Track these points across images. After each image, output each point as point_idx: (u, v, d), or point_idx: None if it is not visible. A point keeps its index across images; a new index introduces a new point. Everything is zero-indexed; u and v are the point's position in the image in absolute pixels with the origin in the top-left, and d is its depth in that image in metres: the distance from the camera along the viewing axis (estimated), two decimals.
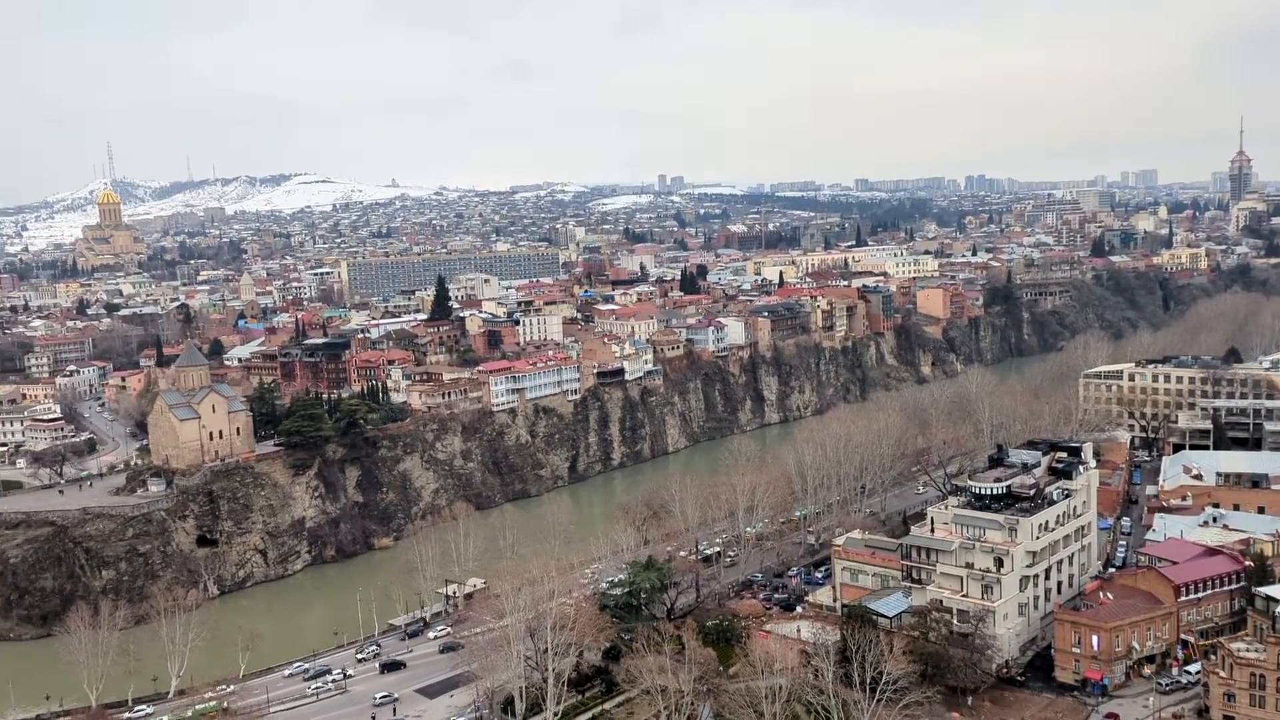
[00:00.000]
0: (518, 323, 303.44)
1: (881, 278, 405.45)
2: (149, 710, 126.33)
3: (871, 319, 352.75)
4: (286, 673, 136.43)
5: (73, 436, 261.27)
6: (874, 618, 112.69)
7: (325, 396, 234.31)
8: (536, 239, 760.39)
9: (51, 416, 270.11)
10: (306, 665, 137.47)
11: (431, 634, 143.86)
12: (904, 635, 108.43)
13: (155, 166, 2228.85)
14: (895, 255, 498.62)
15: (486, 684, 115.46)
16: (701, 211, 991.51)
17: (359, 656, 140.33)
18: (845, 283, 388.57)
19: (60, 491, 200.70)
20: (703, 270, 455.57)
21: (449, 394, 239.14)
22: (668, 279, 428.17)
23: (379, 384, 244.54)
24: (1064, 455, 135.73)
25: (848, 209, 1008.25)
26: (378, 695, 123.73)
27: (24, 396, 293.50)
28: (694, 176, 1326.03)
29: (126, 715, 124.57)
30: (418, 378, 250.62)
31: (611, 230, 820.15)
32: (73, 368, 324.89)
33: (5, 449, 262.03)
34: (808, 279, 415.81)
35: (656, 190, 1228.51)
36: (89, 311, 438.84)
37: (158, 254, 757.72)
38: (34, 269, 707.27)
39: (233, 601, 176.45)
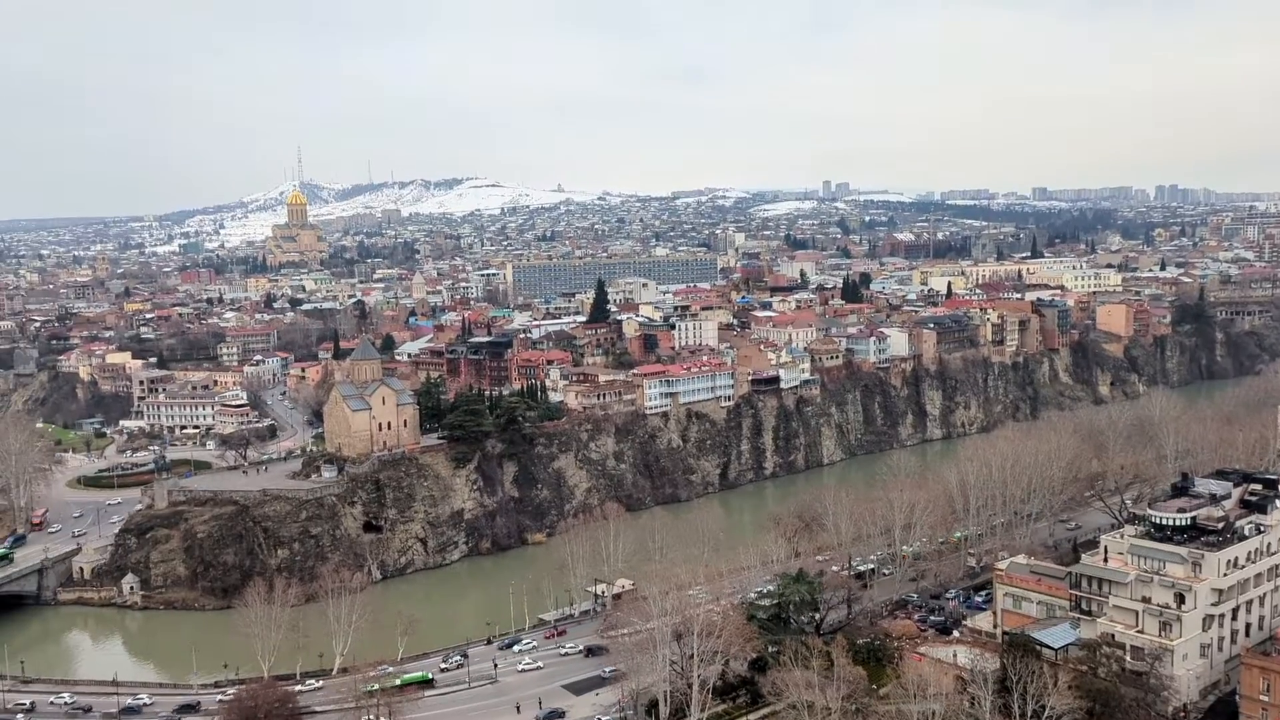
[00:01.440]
0: (674, 327, 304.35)
1: (1058, 291, 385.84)
2: (319, 684, 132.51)
3: (1046, 334, 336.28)
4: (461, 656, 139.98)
5: (256, 422, 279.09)
6: (1038, 648, 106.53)
7: (487, 393, 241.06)
8: (696, 244, 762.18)
9: (239, 403, 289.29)
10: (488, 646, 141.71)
11: (517, 647, 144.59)
12: (1070, 669, 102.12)
13: (339, 170, 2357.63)
14: (1074, 268, 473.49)
15: (632, 685, 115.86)
16: (867, 219, 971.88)
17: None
18: (1018, 295, 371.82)
19: (244, 473, 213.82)
20: (866, 279, 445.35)
21: (604, 395, 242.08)
22: (828, 287, 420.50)
23: (538, 383, 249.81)
24: (1259, 488, 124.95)
25: (1023, 218, 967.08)
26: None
27: (215, 383, 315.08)
28: (860, 183, 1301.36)
29: (299, 687, 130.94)
30: (575, 378, 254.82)
31: (772, 236, 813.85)
32: (259, 357, 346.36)
33: (198, 431, 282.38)
34: (977, 290, 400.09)
35: (820, 196, 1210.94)
36: (275, 305, 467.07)
37: (338, 252, 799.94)
38: (229, 264, 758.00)
39: (394, 587, 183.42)
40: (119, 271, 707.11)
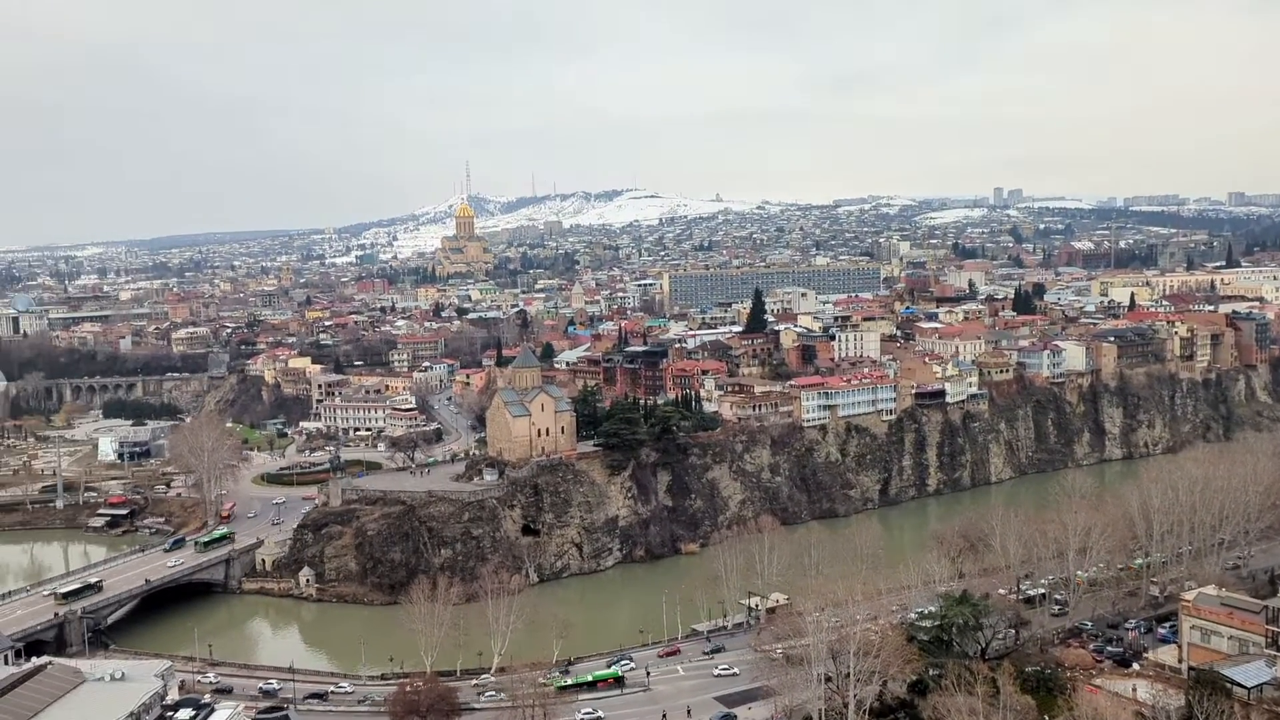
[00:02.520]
0: (833, 338, 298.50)
1: (1256, 303, 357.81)
2: (490, 679, 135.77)
3: (1242, 349, 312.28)
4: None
5: (424, 425, 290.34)
6: (1228, 686, 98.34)
7: (642, 402, 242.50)
8: (858, 253, 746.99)
9: (408, 407, 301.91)
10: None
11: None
12: (1265, 710, 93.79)
13: (504, 183, 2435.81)
14: (1274, 278, 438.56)
15: (785, 701, 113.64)
16: (1041, 226, 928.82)
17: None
18: (1210, 307, 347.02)
19: (413, 474, 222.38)
20: (1039, 289, 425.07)
21: (760, 406, 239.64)
22: (999, 297, 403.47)
23: (693, 393, 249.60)
24: None
25: (1217, 226, 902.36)
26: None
27: (386, 388, 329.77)
28: (1034, 189, 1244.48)
29: (479, 680, 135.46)
30: (730, 388, 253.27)
31: (939, 245, 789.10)
32: (427, 364, 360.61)
33: (370, 433, 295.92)
34: (1164, 302, 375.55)
35: (991, 204, 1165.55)
36: (443, 314, 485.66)
37: (502, 263, 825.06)
38: (401, 275, 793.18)
39: (549, 590, 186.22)
40: (301, 281, 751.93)
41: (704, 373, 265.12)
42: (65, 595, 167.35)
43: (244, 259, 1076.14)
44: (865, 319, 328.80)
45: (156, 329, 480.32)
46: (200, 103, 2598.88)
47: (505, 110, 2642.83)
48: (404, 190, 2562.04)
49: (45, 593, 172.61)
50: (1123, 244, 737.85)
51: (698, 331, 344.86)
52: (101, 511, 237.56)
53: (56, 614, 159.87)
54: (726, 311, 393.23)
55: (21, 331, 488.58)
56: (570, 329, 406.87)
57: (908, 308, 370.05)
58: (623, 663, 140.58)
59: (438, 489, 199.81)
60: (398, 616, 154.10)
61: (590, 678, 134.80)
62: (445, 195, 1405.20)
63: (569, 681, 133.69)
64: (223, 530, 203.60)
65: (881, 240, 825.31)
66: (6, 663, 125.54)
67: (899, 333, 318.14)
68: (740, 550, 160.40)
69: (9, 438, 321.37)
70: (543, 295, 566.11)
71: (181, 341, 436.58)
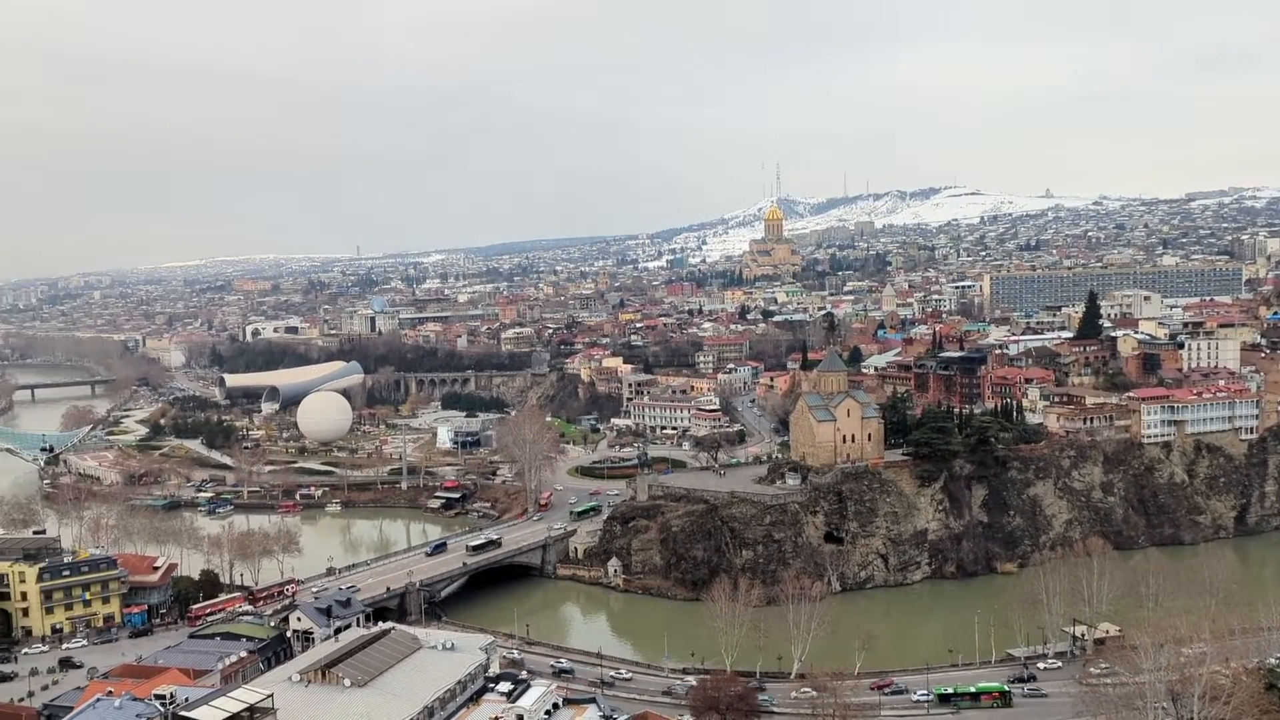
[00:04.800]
0: (1182, 346, 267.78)
1: None
2: (810, 692, 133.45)
3: None
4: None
5: (727, 427, 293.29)
6: None
7: (957, 411, 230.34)
8: (1214, 252, 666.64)
9: (712, 408, 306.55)
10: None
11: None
12: None
13: (814, 184, 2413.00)
14: None
15: None
16: None
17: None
18: None
19: (716, 473, 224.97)
20: None
21: (1091, 419, 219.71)
22: None
23: (1013, 402, 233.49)
24: None
25: None
26: None
27: (692, 388, 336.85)
28: None
29: (755, 684, 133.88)
30: (1057, 399, 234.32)
31: None
32: (732, 366, 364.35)
33: (675, 432, 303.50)
34: None
35: None
36: (748, 316, 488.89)
37: (810, 265, 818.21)
38: (708, 278, 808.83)
39: (852, 600, 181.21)
40: (616, 285, 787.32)
41: (1028, 381, 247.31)
42: (473, 548, 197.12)
43: (565, 264, 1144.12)
44: (1222, 325, 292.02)
45: (488, 329, 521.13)
46: (533, 121, 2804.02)
47: (817, 111, 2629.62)
48: (714, 195, 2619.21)
49: (391, 564, 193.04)
50: None
51: (1020, 337, 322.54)
52: (438, 494, 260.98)
53: (404, 585, 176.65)
54: (1055, 316, 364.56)
55: (377, 330, 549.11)
56: (880, 332, 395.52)
57: (1275, 313, 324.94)
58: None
59: (740, 490, 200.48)
60: (699, 613, 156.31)
61: (973, 689, 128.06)
62: (754, 198, 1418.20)
63: (949, 690, 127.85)
64: (590, 504, 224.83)
65: (1244, 237, 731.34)
66: (358, 624, 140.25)
67: (1264, 341, 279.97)
68: (1065, 573, 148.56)
69: (365, 424, 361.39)
70: (851, 297, 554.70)
71: (509, 341, 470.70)
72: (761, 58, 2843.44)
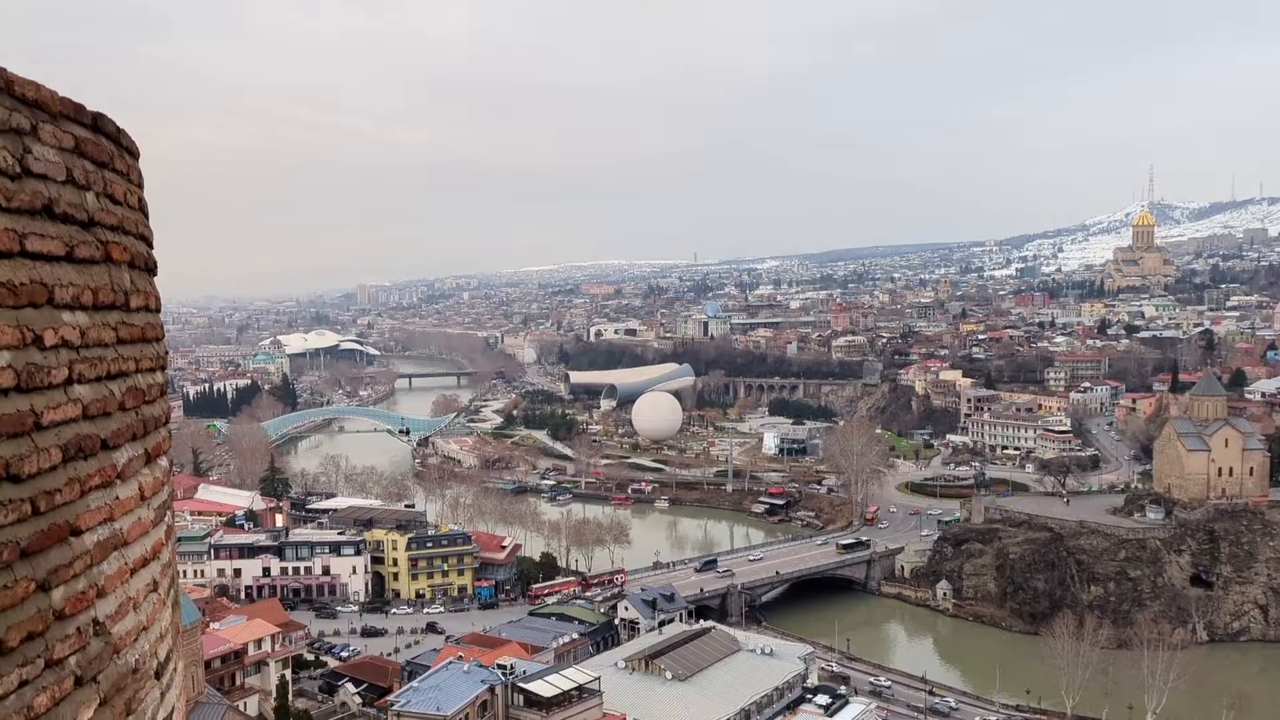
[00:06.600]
0: None
1: None
2: None
3: None
4: None
5: (1078, 450, 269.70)
6: None
7: None
8: None
9: (1061, 429, 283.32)
10: None
11: None
12: None
13: (1194, 187, 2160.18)
14: None
15: None
16: None
17: None
18: None
19: (1066, 502, 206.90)
20: None
21: None
22: None
23: None
24: None
25: None
26: None
27: (1039, 407, 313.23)
28: None
29: None
30: None
31: None
32: (1087, 384, 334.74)
33: (1018, 453, 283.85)
34: None
35: None
36: (1109, 331, 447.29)
37: (1186, 276, 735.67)
38: (1063, 288, 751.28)
39: (1220, 652, 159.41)
40: (958, 294, 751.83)
41: None
42: (844, 546, 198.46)
43: (904, 271, 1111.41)
44: None
45: (819, 336, 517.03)
46: (873, 122, 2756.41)
47: (1201, 104, 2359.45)
48: (1072, 199, 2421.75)
49: (692, 565, 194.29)
50: None
51: None
52: (761, 499, 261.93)
53: (726, 585, 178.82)
54: None
55: (709, 334, 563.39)
56: (1270, 354, 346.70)
57: None
58: None
59: (1090, 520, 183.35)
60: (1037, 648, 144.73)
61: None
62: (1122, 203, 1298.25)
63: None
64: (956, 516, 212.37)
65: None
66: (680, 620, 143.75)
67: None
68: None
69: (693, 425, 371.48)
70: (1235, 314, 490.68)
71: (840, 349, 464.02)
72: (1128, 48, 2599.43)
